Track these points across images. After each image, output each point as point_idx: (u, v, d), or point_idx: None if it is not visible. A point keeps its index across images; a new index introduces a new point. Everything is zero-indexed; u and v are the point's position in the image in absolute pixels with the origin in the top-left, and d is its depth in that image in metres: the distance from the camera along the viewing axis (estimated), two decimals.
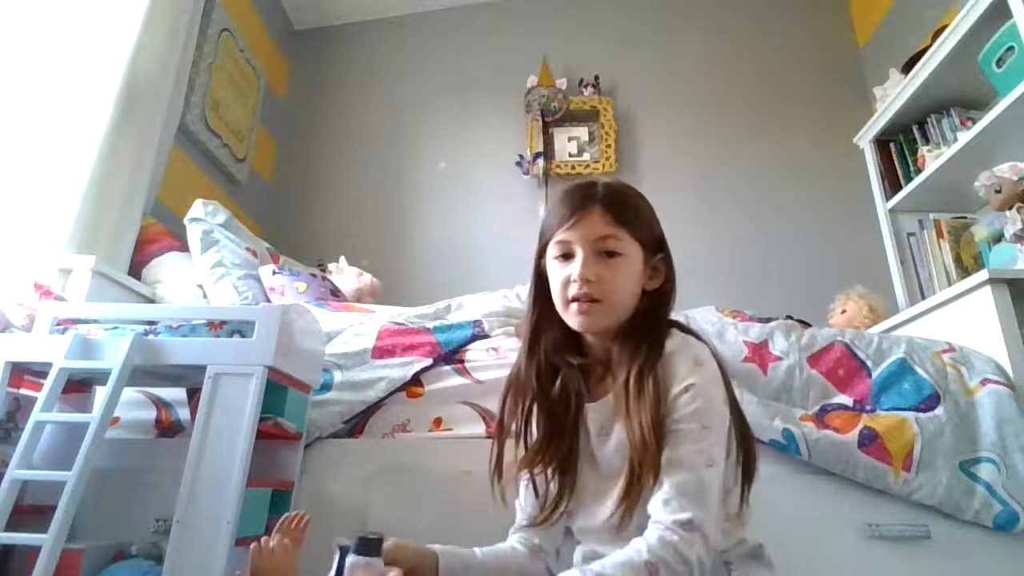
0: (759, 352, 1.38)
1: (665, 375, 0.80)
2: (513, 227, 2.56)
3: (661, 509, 0.73)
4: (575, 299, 0.85)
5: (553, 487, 0.88)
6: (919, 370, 1.32)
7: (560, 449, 0.87)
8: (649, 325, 0.86)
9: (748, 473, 0.83)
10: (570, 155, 2.80)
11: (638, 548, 0.71)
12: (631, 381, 0.81)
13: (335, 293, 1.93)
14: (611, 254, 0.85)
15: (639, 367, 0.81)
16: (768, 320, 1.56)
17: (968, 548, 1.18)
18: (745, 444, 0.84)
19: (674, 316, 0.93)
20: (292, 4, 3.01)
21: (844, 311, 1.97)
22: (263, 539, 0.81)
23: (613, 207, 0.85)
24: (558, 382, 0.91)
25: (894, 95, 2.27)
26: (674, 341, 0.83)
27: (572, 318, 0.87)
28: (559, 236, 0.87)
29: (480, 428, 1.32)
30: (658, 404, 0.78)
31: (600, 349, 0.90)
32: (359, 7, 3.06)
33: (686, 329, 0.89)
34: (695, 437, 0.76)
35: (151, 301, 1.71)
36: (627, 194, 0.89)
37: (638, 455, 0.77)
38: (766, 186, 2.70)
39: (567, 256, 0.86)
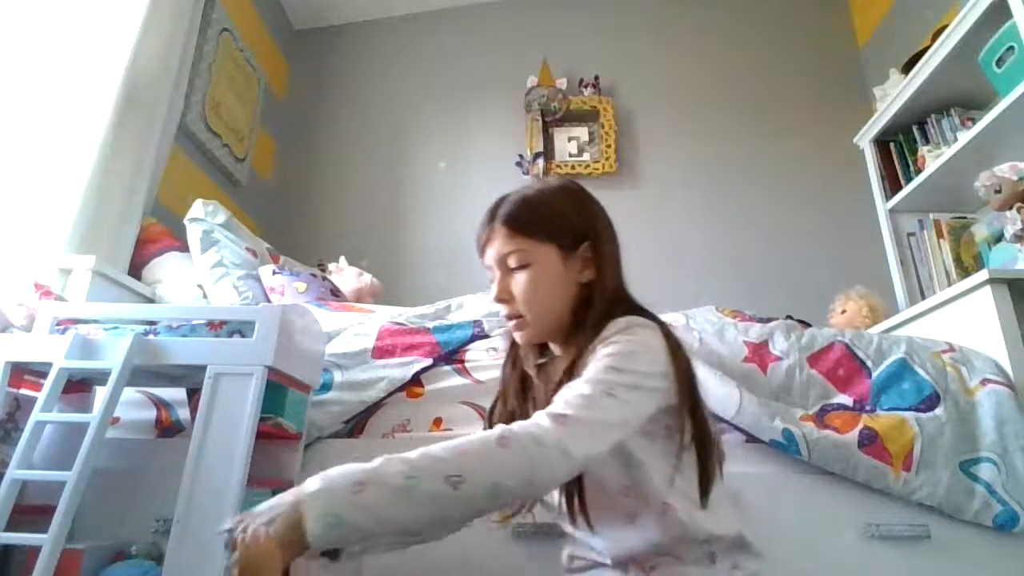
0: (759, 352, 1.38)
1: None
2: None
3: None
4: (508, 317, 0.88)
5: None
6: (919, 370, 1.32)
7: None
8: (589, 317, 0.84)
9: (704, 467, 0.81)
10: (570, 155, 2.80)
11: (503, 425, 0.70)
12: (564, 376, 0.81)
13: (335, 293, 1.93)
14: (521, 267, 0.86)
15: (571, 361, 0.81)
16: (768, 320, 1.56)
17: (968, 548, 1.18)
18: (699, 434, 0.81)
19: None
20: (292, 4, 3.01)
21: (844, 311, 1.97)
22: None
23: (512, 220, 0.86)
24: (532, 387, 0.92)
25: (894, 95, 2.27)
26: (618, 323, 0.81)
27: (514, 336, 0.90)
28: (484, 263, 0.91)
29: (480, 428, 1.32)
30: None
31: (558, 348, 0.91)
32: (359, 7, 3.06)
33: (645, 312, 0.88)
34: (600, 370, 0.75)
35: (151, 301, 1.71)
36: (528, 200, 0.88)
37: None
38: (766, 186, 2.70)
39: (494, 280, 0.90)
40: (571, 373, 0.79)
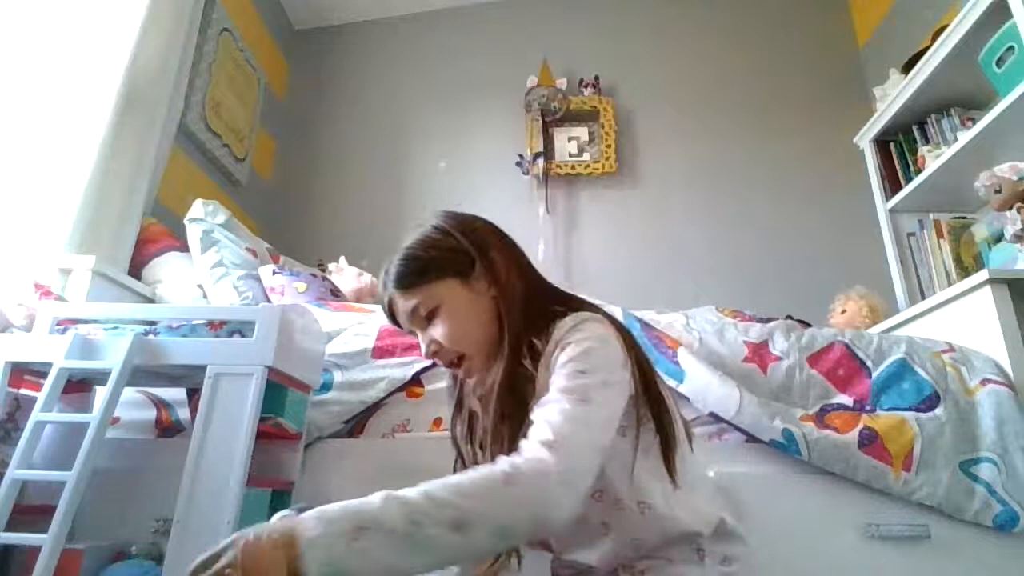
0: (759, 352, 1.38)
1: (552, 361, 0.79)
2: (512, 227, 2.52)
3: (528, 435, 0.70)
4: (449, 366, 0.88)
5: None
6: (919, 370, 1.32)
7: None
8: (506, 327, 0.84)
9: (666, 450, 0.80)
10: (570, 155, 2.80)
11: (501, 459, 0.67)
12: (484, 396, 0.81)
13: (335, 293, 1.93)
14: (432, 312, 0.85)
15: (492, 380, 0.80)
16: (768, 320, 1.56)
17: (968, 548, 1.18)
18: (660, 418, 0.80)
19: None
20: (292, 4, 3.01)
21: (844, 311, 1.97)
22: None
23: (402, 280, 0.86)
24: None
25: (894, 95, 2.27)
26: (561, 329, 0.80)
27: (468, 380, 0.89)
28: (404, 330, 0.90)
29: None
30: (521, 412, 0.76)
31: None
32: (359, 7, 3.06)
33: (582, 303, 0.87)
34: (567, 377, 0.74)
35: (151, 301, 1.71)
36: (408, 254, 0.87)
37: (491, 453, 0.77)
38: (766, 186, 2.70)
39: (414, 334, 0.89)
40: (509, 385, 0.78)
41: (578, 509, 0.67)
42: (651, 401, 0.81)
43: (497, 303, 0.86)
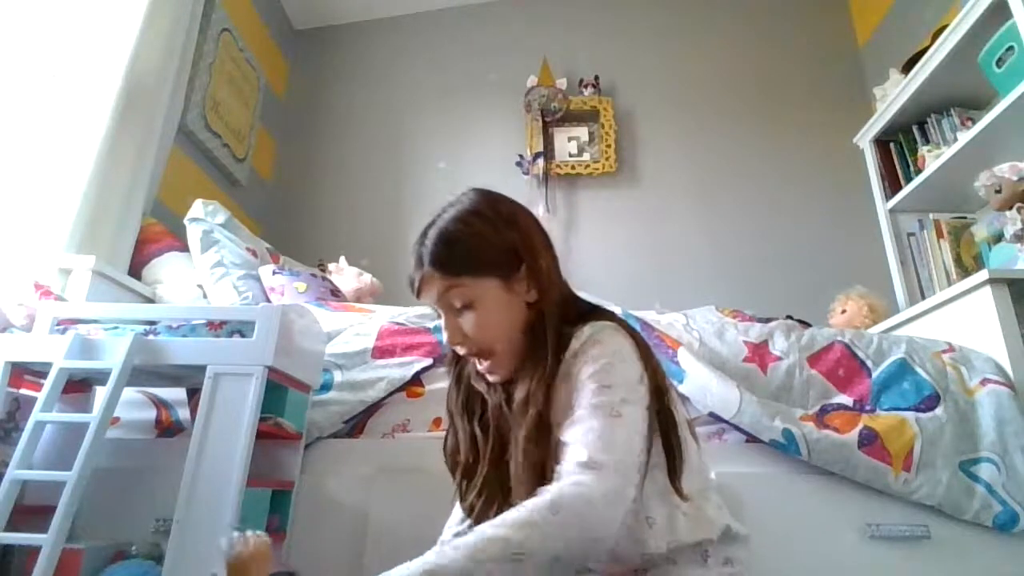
0: (759, 352, 1.38)
1: (571, 372, 0.78)
2: None
3: (565, 459, 0.71)
4: (469, 356, 0.85)
5: (480, 502, 0.87)
6: (919, 370, 1.32)
7: (498, 467, 0.85)
8: (542, 336, 0.81)
9: (672, 469, 0.79)
10: (570, 155, 2.80)
11: (547, 489, 0.68)
12: (518, 405, 0.80)
13: (335, 293, 1.93)
14: (466, 306, 0.82)
15: (527, 391, 0.79)
16: (768, 320, 1.56)
17: (968, 548, 1.18)
18: (666, 438, 0.79)
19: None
20: (292, 4, 3.01)
21: (844, 311, 1.97)
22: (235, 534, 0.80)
23: (440, 263, 0.81)
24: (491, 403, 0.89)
25: (894, 95, 2.27)
26: (580, 339, 0.79)
27: (483, 373, 0.87)
28: (422, 301, 0.86)
29: None
30: (545, 428, 0.76)
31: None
32: (359, 7, 3.06)
33: (601, 312, 0.86)
34: (594, 393, 0.74)
35: (151, 301, 1.71)
36: (449, 235, 0.82)
37: (514, 479, 0.77)
38: (766, 186, 2.70)
39: (439, 315, 0.85)
40: (549, 399, 0.77)
41: (625, 515, 0.68)
42: (661, 416, 0.80)
43: (534, 309, 0.84)
